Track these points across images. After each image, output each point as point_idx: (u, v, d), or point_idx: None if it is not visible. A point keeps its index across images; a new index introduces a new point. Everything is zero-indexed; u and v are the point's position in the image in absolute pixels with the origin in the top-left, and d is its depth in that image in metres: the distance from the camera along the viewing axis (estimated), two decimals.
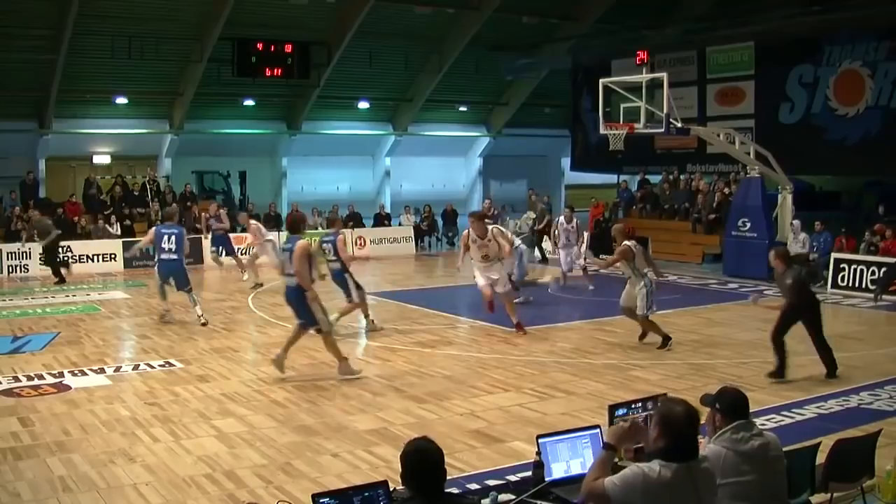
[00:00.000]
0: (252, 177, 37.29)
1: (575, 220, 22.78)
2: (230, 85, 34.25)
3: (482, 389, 12.03)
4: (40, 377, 13.03)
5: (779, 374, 12.24)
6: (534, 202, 32.39)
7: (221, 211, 25.85)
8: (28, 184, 32.95)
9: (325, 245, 16.33)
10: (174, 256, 17.28)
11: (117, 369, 13.34)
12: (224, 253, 24.97)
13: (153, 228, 19.15)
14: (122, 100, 34.60)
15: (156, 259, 17.96)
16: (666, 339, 14.56)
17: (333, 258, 16.20)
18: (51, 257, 24.53)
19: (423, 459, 4.79)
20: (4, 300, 21.34)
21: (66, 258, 25.81)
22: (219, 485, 8.43)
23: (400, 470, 4.78)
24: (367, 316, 16.78)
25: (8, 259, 26.58)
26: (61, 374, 13.18)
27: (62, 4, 29.48)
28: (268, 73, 33.63)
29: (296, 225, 13.38)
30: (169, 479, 8.60)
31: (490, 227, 16.35)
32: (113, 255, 27.94)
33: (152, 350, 14.81)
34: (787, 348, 12.29)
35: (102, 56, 31.86)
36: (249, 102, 36.65)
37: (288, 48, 33.74)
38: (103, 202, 33.00)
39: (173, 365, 13.71)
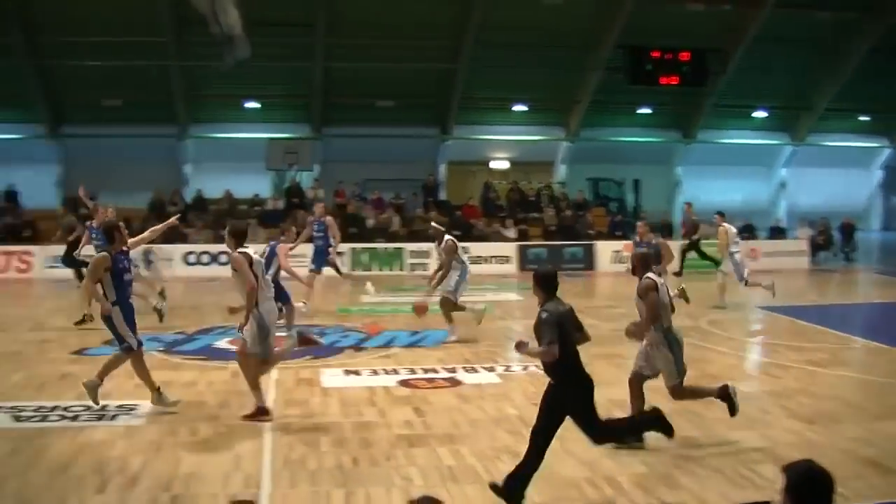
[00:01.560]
0: (646, 185, 37.26)
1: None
2: (625, 93, 34.44)
3: (877, 415, 11.35)
4: (434, 371, 13.73)
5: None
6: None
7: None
8: (429, 186, 34.58)
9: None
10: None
11: (507, 368, 13.73)
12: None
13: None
14: (520, 107, 35.57)
15: None
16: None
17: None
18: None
19: (813, 484, 4.62)
20: (406, 296, 22.54)
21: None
22: (598, 489, 8.52)
23: (783, 490, 4.64)
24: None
25: (410, 257, 28.15)
26: (454, 370, 13.78)
27: (463, 16, 30.73)
28: (663, 81, 33.47)
29: (108, 233, 11.63)
30: (550, 479, 8.75)
31: (237, 251, 11.17)
32: (507, 258, 28.82)
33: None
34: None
35: (501, 65, 32.91)
36: (645, 110, 36.69)
37: (684, 56, 33.44)
38: (500, 206, 34.08)
39: None
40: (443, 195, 36.13)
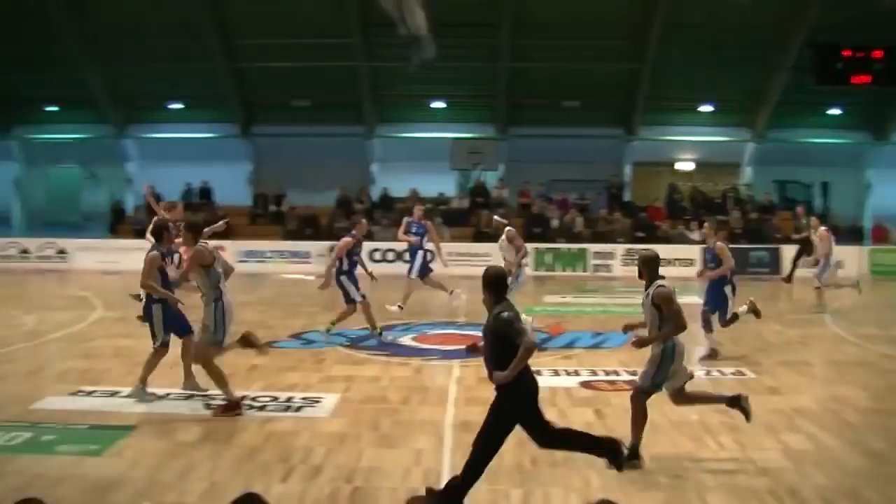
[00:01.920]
0: (835, 188, 36.20)
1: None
2: (814, 93, 33.47)
3: None
4: (616, 373, 13.68)
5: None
6: None
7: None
8: (614, 187, 34.40)
9: None
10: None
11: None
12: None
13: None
14: (706, 108, 35.12)
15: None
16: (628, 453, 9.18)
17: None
18: None
19: None
20: (589, 297, 22.53)
21: None
22: (780, 501, 8.35)
23: None
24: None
25: (594, 258, 28.15)
26: (634, 373, 13.69)
27: (649, 15, 30.50)
28: (854, 80, 32.31)
29: (158, 232, 12.40)
30: (731, 488, 8.64)
31: (206, 243, 12.20)
32: (691, 261, 28.48)
33: (726, 358, 14.89)
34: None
35: (687, 65, 32.46)
36: (835, 111, 35.63)
37: (876, 54, 32.21)
38: (684, 208, 33.67)
39: (744, 374, 13.75)
40: (627, 196, 35.91)
